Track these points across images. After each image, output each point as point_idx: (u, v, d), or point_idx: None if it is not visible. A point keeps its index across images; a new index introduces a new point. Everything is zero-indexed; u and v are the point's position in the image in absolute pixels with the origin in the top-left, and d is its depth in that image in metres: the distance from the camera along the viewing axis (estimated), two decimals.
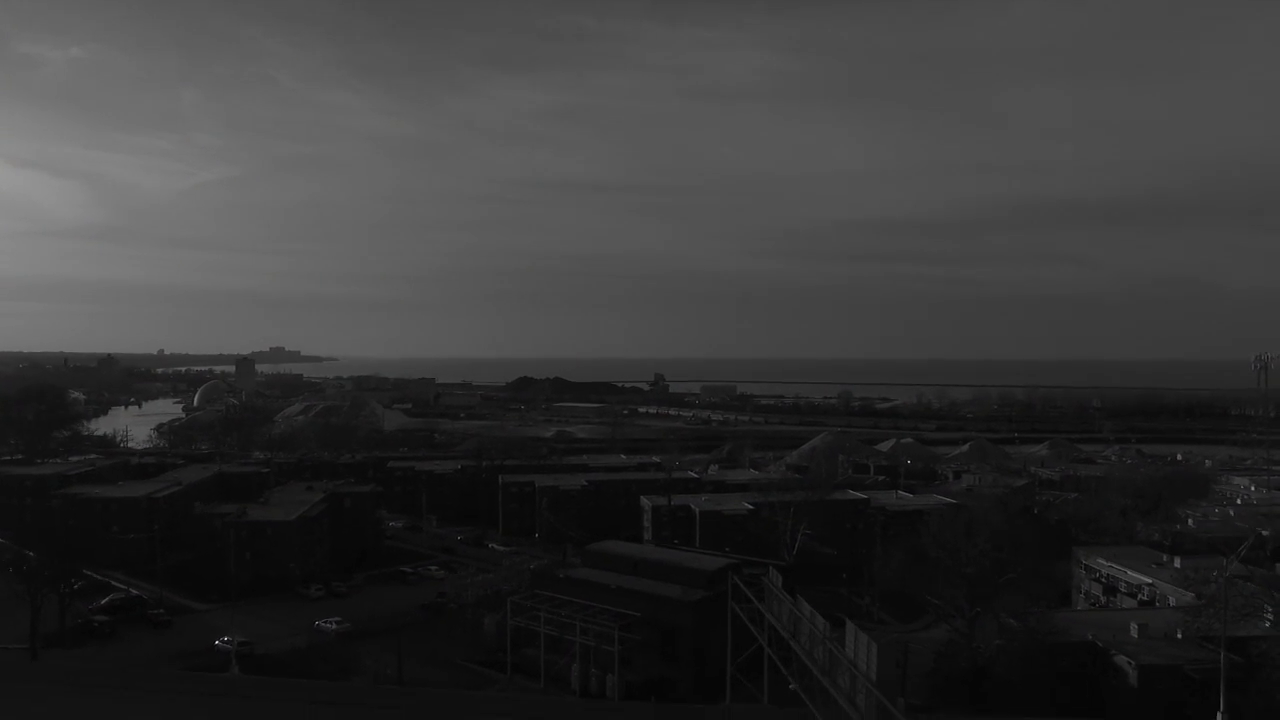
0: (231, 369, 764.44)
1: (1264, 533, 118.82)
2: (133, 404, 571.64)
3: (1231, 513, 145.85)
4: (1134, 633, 78.59)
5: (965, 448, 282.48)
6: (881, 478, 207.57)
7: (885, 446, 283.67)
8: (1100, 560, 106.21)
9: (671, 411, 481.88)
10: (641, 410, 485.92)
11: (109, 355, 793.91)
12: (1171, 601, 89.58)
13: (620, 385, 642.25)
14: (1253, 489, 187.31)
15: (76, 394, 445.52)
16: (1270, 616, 75.53)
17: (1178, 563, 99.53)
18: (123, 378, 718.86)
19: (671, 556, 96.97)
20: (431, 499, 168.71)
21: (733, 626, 64.42)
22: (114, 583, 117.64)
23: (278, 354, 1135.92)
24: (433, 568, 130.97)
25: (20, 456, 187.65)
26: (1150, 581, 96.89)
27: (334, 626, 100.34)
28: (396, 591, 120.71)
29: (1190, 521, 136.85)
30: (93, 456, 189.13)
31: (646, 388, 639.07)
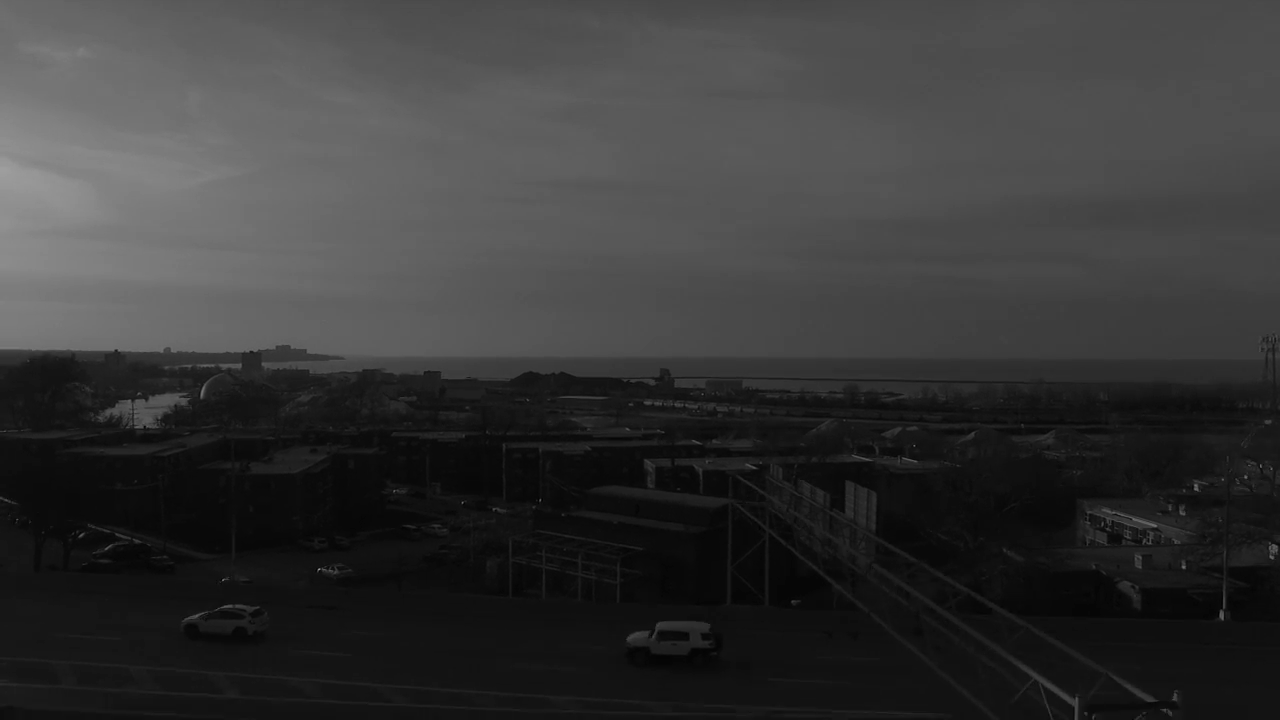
0: (238, 366, 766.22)
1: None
2: (139, 398, 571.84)
3: (1237, 481, 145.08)
4: (1138, 564, 78.39)
5: (970, 436, 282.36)
6: (886, 457, 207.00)
7: (891, 434, 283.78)
8: (1105, 509, 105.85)
9: (677, 404, 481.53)
10: (647, 403, 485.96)
11: (115, 351, 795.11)
12: (1176, 544, 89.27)
13: (626, 380, 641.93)
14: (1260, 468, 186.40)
15: (82, 386, 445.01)
16: (1277, 544, 75.24)
17: (1183, 510, 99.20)
18: (129, 373, 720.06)
19: (673, 498, 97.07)
20: (435, 467, 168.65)
21: (734, 535, 64.49)
22: (118, 534, 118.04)
23: (284, 352, 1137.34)
24: (435, 526, 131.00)
25: (27, 429, 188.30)
26: (1155, 526, 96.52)
27: (336, 572, 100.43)
28: (399, 546, 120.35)
29: (1196, 487, 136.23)
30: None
31: (652, 383, 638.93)
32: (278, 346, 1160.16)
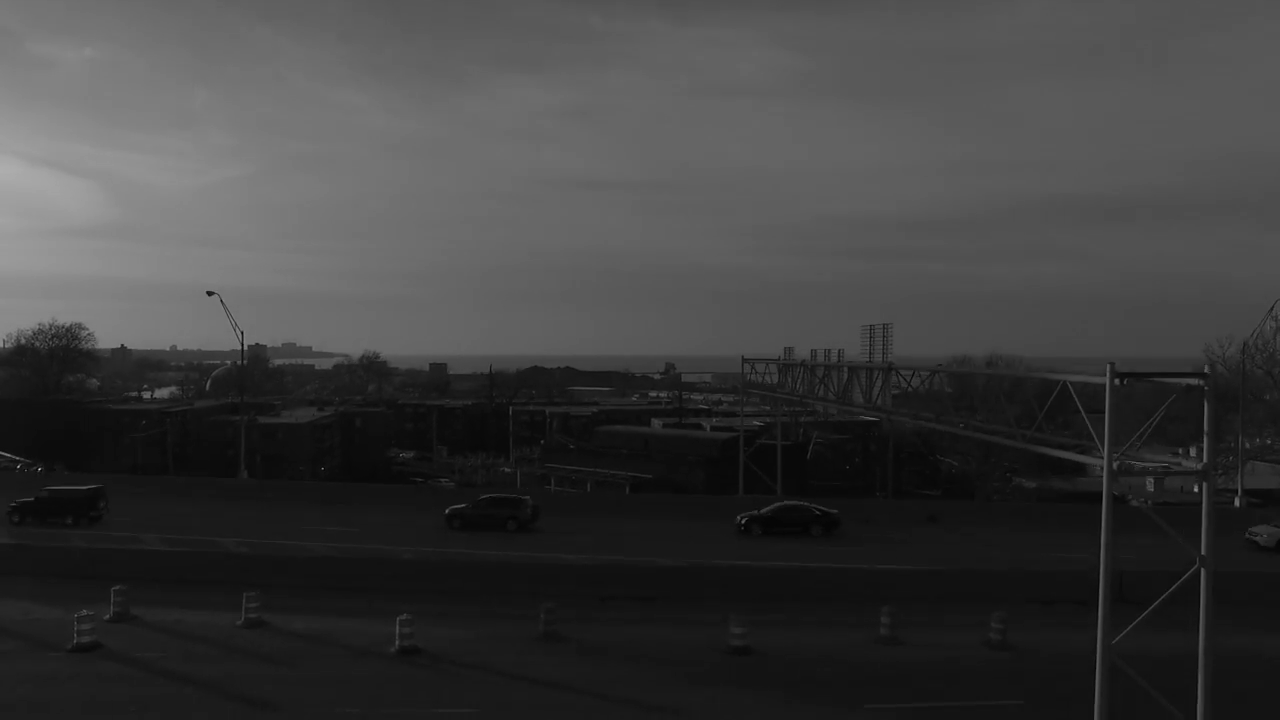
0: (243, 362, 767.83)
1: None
2: (145, 390, 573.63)
3: (1247, 445, 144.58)
4: (1149, 488, 78.31)
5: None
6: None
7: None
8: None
9: (684, 396, 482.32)
10: (652, 394, 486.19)
11: (122, 346, 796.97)
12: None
13: (632, 374, 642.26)
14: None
15: (88, 378, 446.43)
16: None
17: (1193, 451, 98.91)
18: (135, 368, 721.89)
19: (683, 433, 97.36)
20: (442, 432, 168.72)
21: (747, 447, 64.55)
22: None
23: (290, 349, 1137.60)
24: (443, 480, 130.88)
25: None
26: (1165, 463, 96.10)
27: None
28: None
29: None
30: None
31: (658, 377, 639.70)
32: (284, 344, 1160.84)
